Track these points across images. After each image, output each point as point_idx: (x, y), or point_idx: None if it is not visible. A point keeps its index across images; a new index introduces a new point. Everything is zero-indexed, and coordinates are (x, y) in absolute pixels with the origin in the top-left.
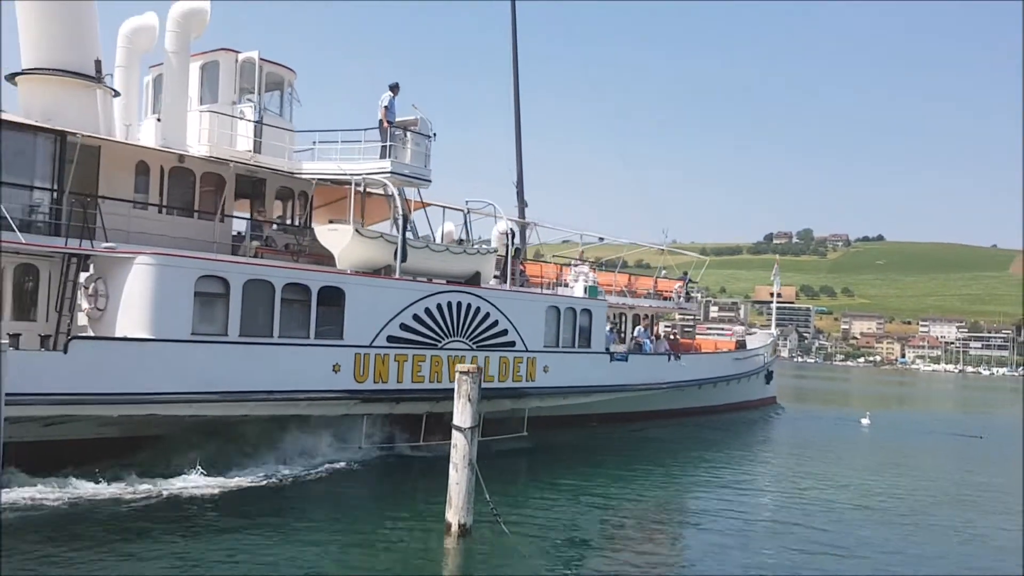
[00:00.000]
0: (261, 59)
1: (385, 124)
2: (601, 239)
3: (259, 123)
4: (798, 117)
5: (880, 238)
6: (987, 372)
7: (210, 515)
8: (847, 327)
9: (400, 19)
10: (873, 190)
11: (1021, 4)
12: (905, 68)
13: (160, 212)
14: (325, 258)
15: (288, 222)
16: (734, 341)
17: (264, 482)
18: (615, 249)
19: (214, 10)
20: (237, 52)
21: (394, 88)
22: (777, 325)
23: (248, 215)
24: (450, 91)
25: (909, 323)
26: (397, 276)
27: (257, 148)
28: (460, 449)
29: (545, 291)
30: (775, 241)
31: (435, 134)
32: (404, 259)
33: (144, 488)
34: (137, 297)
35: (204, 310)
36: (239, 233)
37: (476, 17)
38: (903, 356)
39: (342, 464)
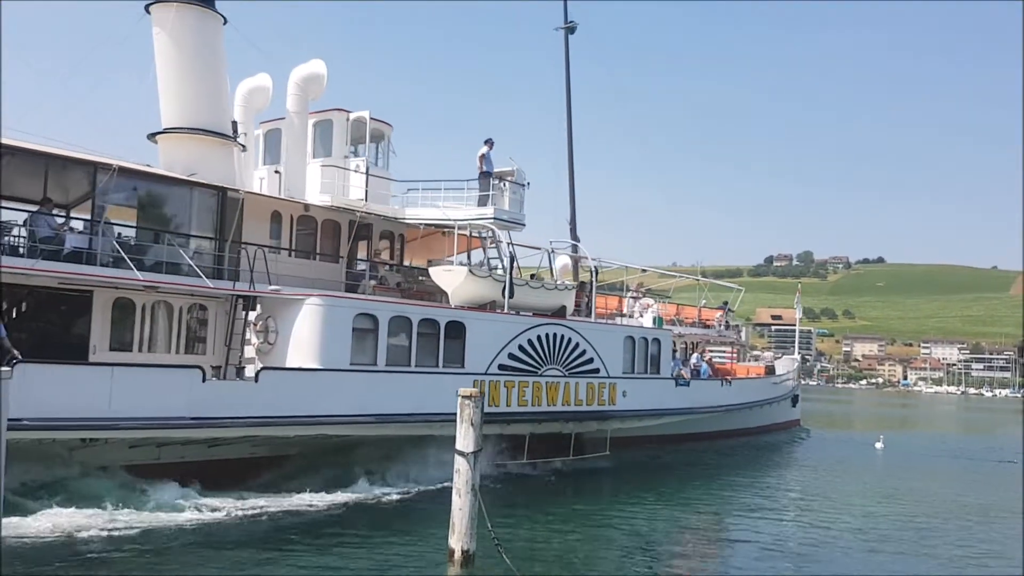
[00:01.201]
0: (364, 115)
1: (482, 172)
2: (644, 270)
3: (369, 174)
4: (798, 140)
5: (880, 260)
6: (989, 394)
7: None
8: (848, 349)
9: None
10: (873, 212)
11: (1021, 28)
12: (904, 91)
13: (289, 255)
14: (426, 294)
15: (393, 262)
16: (763, 366)
17: (368, 497)
18: (652, 278)
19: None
20: (348, 111)
21: (489, 142)
22: (778, 348)
23: (361, 257)
24: (493, 116)
25: (910, 345)
26: (505, 311)
27: (367, 196)
28: (463, 474)
29: (619, 322)
30: (775, 263)
31: (529, 183)
32: (512, 295)
33: (290, 501)
34: (307, 332)
35: (359, 343)
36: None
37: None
38: (905, 378)
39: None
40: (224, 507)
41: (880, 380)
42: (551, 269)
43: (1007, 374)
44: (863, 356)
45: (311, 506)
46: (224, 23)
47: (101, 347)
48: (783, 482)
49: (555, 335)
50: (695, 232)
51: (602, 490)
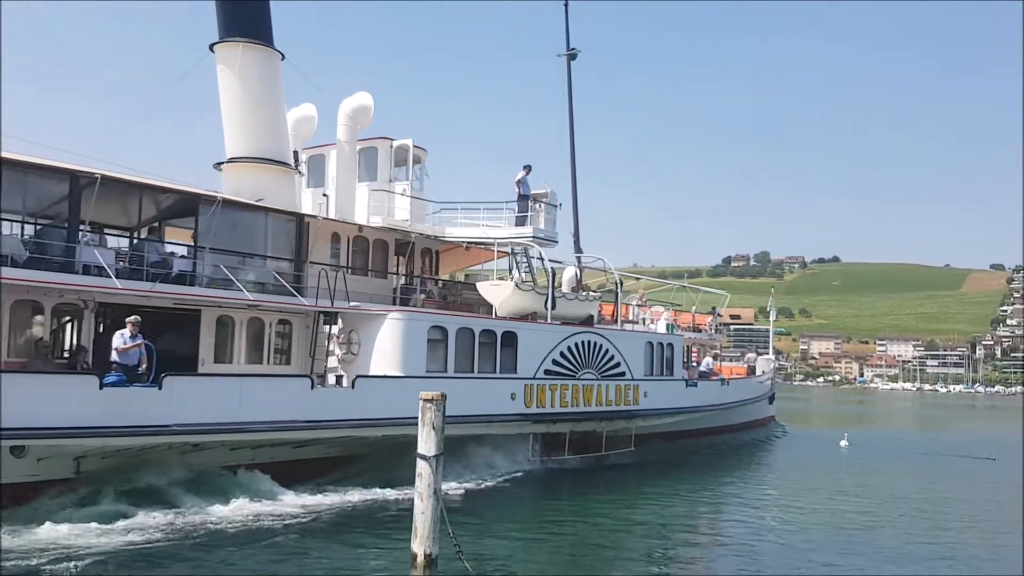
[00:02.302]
0: (407, 143)
1: (521, 194)
2: (638, 278)
3: (413, 197)
4: (753, 142)
5: (835, 259)
6: (944, 389)
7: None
8: (805, 347)
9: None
10: (828, 212)
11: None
12: (857, 91)
13: (349, 272)
14: (465, 305)
15: (438, 277)
16: (745, 367)
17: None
18: (644, 285)
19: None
20: (392, 139)
21: (527, 168)
22: (736, 347)
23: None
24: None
25: (866, 342)
26: (548, 321)
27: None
28: (425, 478)
29: (638, 328)
30: (733, 264)
31: (561, 204)
32: (554, 307)
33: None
34: (389, 343)
35: (432, 352)
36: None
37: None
38: (861, 375)
39: (519, 473)
40: (308, 502)
41: (837, 377)
42: (578, 280)
43: (960, 370)
44: (820, 354)
45: (365, 500)
46: (282, 59)
47: (208, 360)
48: (771, 480)
49: (589, 342)
50: (654, 233)
51: (627, 484)
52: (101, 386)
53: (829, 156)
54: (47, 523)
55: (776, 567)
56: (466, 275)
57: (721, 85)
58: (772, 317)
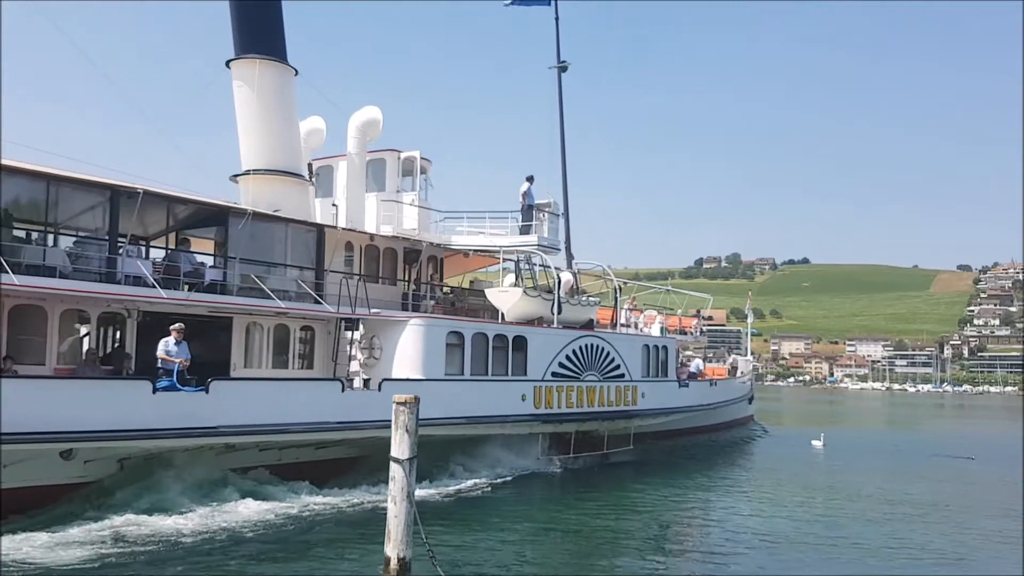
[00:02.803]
0: (414, 155)
1: (526, 205)
2: (625, 282)
3: (420, 207)
4: (725, 145)
5: (805, 261)
6: (912, 389)
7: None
8: (776, 348)
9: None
10: (798, 214)
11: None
12: (824, 91)
13: (361, 280)
14: (471, 311)
15: (445, 284)
16: (726, 368)
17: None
18: (634, 289)
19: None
20: (399, 151)
21: (530, 179)
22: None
23: (408, 279)
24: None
25: (836, 343)
26: (555, 325)
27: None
28: (398, 481)
29: (631, 332)
30: (705, 266)
31: (562, 212)
32: (560, 312)
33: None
34: (411, 348)
35: (450, 356)
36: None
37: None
38: (831, 375)
39: (527, 472)
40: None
41: (807, 377)
42: (576, 286)
43: (929, 370)
44: (790, 354)
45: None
46: (296, 75)
47: (239, 365)
48: (758, 480)
49: (592, 345)
50: (627, 236)
51: (617, 485)
52: (154, 390)
53: (798, 159)
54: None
55: (767, 568)
56: (471, 282)
57: (693, 87)
58: (750, 319)
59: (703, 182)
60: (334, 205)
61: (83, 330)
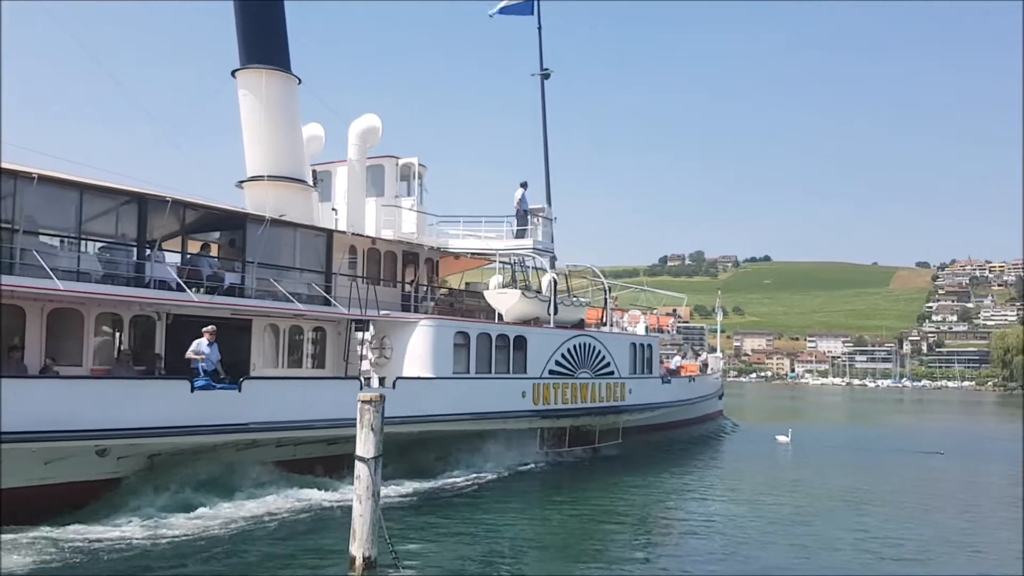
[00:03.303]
0: (412, 162)
1: (521, 210)
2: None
3: (419, 212)
4: (688, 144)
5: (767, 258)
6: (872, 384)
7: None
8: (739, 344)
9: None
10: (759, 213)
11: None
12: (785, 90)
13: (364, 283)
14: (467, 311)
15: (442, 286)
16: (698, 365)
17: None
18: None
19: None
20: (398, 157)
21: (524, 185)
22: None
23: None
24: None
25: (797, 339)
26: (552, 325)
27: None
28: (363, 480)
29: (623, 331)
30: (669, 263)
31: (556, 218)
32: (556, 312)
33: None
34: (421, 348)
35: (457, 356)
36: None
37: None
38: (793, 371)
39: (532, 465)
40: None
41: (769, 373)
42: (567, 287)
43: (888, 365)
44: (752, 350)
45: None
46: (299, 83)
47: (259, 365)
48: (733, 475)
49: (585, 344)
50: (593, 233)
51: (598, 481)
52: (192, 389)
53: (760, 157)
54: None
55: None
56: (467, 283)
57: (659, 86)
58: (719, 317)
59: (669, 181)
60: (334, 209)
61: (114, 332)
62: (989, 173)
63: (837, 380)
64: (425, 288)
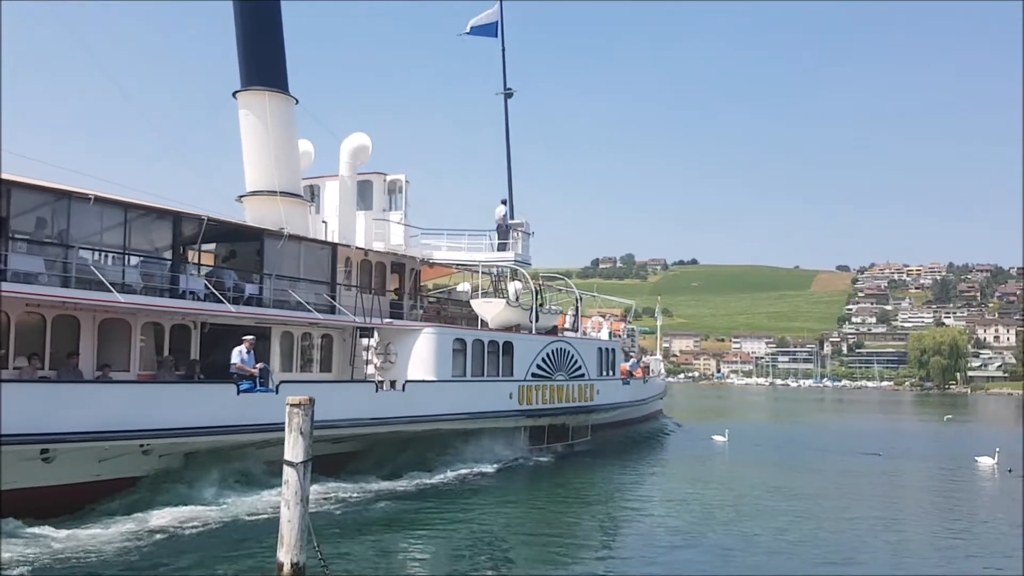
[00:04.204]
0: (399, 178)
1: (503, 225)
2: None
3: (405, 225)
4: (615, 146)
5: (694, 262)
6: (795, 384)
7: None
8: (667, 345)
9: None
10: (687, 216)
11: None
12: (704, 94)
13: (358, 292)
14: (450, 318)
15: (431, 294)
16: (641, 367)
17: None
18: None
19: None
20: (385, 174)
21: (505, 202)
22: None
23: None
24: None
25: (723, 340)
26: (533, 332)
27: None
28: (292, 485)
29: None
30: (601, 266)
31: (534, 232)
32: (538, 320)
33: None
34: (424, 353)
35: (456, 360)
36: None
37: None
38: (719, 371)
39: (521, 460)
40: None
41: (696, 374)
42: (541, 295)
43: (809, 365)
44: (680, 351)
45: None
46: (296, 104)
47: (276, 369)
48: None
49: (561, 349)
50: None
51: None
52: (238, 392)
53: (689, 162)
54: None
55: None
56: (450, 291)
57: (590, 88)
58: (659, 321)
59: (601, 184)
60: (324, 222)
61: (156, 339)
62: (907, 177)
63: (761, 380)
64: (415, 297)
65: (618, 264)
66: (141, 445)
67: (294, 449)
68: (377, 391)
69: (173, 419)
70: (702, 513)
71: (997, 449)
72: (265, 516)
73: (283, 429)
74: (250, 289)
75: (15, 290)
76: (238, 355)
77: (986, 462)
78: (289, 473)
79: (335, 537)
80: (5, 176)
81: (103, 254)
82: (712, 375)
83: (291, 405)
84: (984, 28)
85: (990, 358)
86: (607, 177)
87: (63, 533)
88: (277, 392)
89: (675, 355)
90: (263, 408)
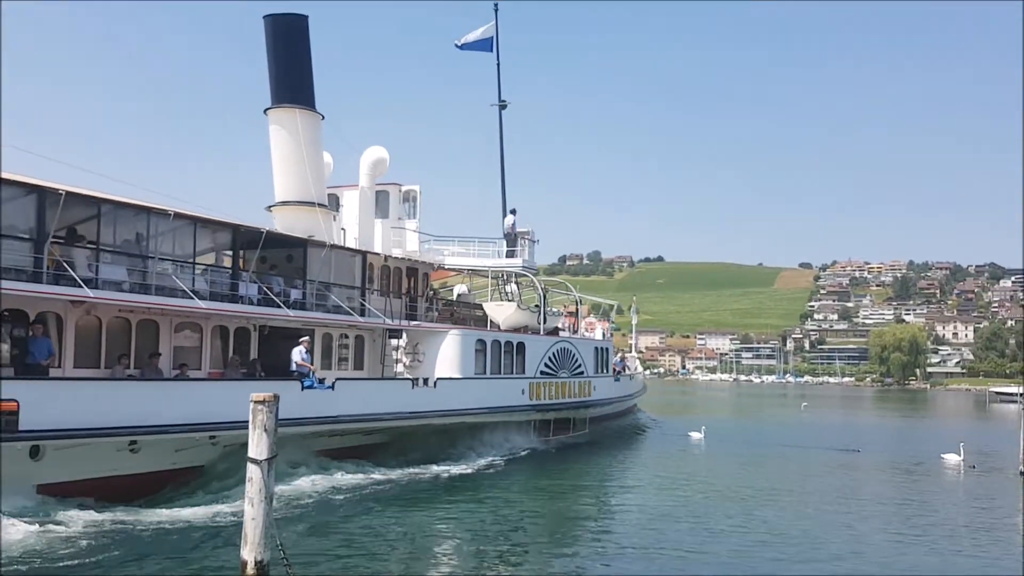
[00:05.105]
0: (414, 188)
1: (511, 233)
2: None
3: (420, 232)
4: (588, 143)
5: (660, 259)
6: (758, 380)
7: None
8: (633, 342)
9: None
10: (652, 214)
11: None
12: (672, 90)
13: (375, 294)
14: (461, 320)
15: (445, 299)
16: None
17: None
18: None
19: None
20: (401, 185)
21: (514, 212)
22: None
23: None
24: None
25: (688, 337)
26: (542, 333)
27: (417, 247)
28: (256, 483)
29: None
30: (568, 263)
31: (539, 240)
32: (545, 321)
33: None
34: (450, 353)
35: (477, 359)
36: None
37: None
38: (684, 367)
39: (534, 449)
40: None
41: (662, 370)
42: (543, 299)
43: (772, 361)
44: (646, 348)
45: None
46: (322, 119)
47: (317, 368)
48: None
49: (564, 348)
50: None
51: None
52: (302, 388)
53: (653, 157)
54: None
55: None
56: (458, 295)
57: (561, 85)
58: (635, 321)
59: (569, 181)
60: (343, 229)
61: (222, 341)
62: (869, 175)
63: (725, 376)
64: (430, 299)
65: (585, 261)
66: (211, 437)
67: (258, 446)
68: (413, 387)
69: (245, 412)
70: (703, 512)
71: (961, 444)
72: (312, 499)
73: (341, 421)
74: (295, 294)
75: (107, 297)
76: (298, 354)
77: (952, 459)
78: (253, 470)
79: (376, 513)
80: (97, 193)
81: (177, 264)
82: (677, 371)
83: (255, 402)
84: (984, 26)
85: (949, 354)
86: (575, 174)
87: (147, 514)
88: (333, 388)
89: (640, 351)
90: (324, 402)
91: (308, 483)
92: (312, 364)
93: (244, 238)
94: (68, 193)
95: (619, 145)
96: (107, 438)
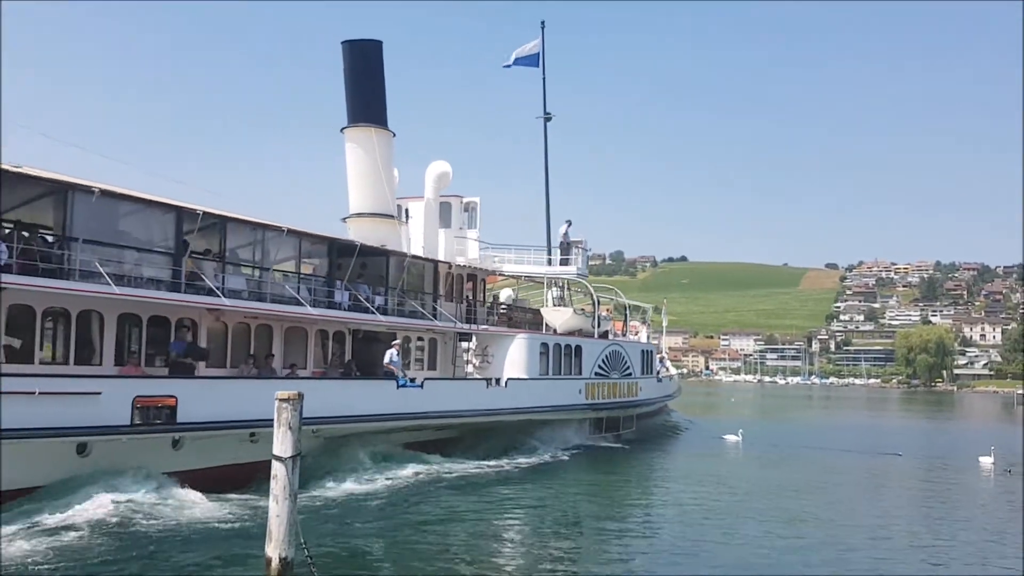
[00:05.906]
0: (474, 200)
1: (566, 242)
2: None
3: (481, 242)
4: (609, 145)
5: (684, 259)
6: (783, 381)
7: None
8: (656, 342)
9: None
10: (676, 214)
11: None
12: (696, 93)
13: (442, 300)
14: (516, 324)
15: (503, 303)
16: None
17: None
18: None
19: None
20: (462, 196)
21: (569, 222)
22: None
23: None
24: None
25: (711, 337)
26: (595, 337)
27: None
28: (280, 480)
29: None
30: (590, 263)
31: (591, 249)
32: (600, 326)
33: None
34: (518, 355)
35: (540, 361)
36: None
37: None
38: (707, 368)
39: (591, 446)
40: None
41: (685, 370)
42: (595, 304)
43: (798, 362)
44: (670, 348)
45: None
46: (394, 136)
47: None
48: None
49: (616, 351)
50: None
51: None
52: (397, 387)
53: (676, 158)
54: None
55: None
56: (515, 300)
57: (582, 87)
58: (664, 321)
59: (592, 181)
60: (409, 238)
61: (323, 343)
62: (896, 176)
63: (749, 377)
64: (489, 305)
65: (607, 261)
66: (314, 430)
67: (283, 444)
68: (487, 387)
69: (349, 408)
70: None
71: (992, 447)
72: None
73: (430, 417)
74: (379, 300)
75: (235, 304)
76: (390, 356)
77: (986, 462)
78: (278, 468)
79: (448, 495)
80: (222, 212)
81: (285, 274)
82: (701, 372)
83: (280, 400)
84: (984, 26)
85: (976, 356)
86: (598, 174)
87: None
88: (423, 387)
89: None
90: (417, 400)
91: (410, 472)
92: (401, 366)
93: (338, 250)
94: (205, 213)
95: (643, 145)
96: (238, 430)
